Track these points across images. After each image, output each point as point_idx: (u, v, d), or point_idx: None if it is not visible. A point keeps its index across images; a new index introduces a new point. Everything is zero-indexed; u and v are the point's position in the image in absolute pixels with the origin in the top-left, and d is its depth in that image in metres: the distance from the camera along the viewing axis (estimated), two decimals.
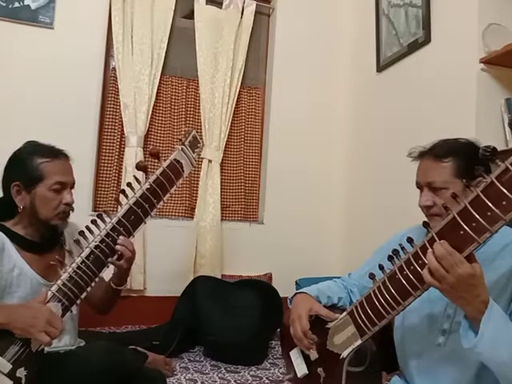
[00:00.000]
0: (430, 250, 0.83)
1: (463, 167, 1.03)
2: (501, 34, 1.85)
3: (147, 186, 1.21)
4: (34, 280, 1.26)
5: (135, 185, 1.21)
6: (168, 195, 1.25)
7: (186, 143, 1.29)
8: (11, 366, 1.03)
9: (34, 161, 1.25)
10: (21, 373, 1.05)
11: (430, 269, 0.83)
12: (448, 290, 0.83)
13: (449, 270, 0.80)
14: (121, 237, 1.18)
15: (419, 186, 1.11)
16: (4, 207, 1.28)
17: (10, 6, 2.46)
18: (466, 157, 1.04)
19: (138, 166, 1.23)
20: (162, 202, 1.24)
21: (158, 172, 1.22)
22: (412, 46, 2.36)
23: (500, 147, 1.81)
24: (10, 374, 1.03)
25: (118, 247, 1.18)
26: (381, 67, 2.66)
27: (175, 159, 1.26)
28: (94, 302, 1.41)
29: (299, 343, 1.15)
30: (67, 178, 1.29)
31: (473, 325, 0.85)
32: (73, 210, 1.32)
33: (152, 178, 1.22)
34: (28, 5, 2.48)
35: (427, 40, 2.23)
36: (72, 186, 1.32)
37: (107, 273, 1.23)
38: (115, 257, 1.19)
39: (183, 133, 1.28)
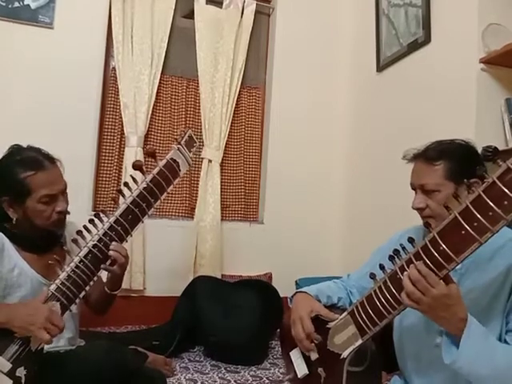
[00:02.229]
0: (406, 273, 0.87)
1: (455, 169, 1.04)
2: (501, 34, 1.85)
3: (144, 185, 1.21)
4: (34, 279, 1.26)
5: (132, 184, 1.21)
6: (165, 194, 1.25)
7: (182, 143, 1.30)
8: (11, 366, 1.03)
9: (18, 175, 1.21)
10: (20, 372, 1.04)
11: (406, 292, 0.86)
12: (427, 311, 0.87)
13: (424, 293, 0.84)
14: (113, 242, 1.16)
15: (413, 188, 1.12)
16: (2, 212, 1.27)
17: (10, 6, 2.46)
18: (458, 159, 1.05)
19: (134, 166, 1.22)
20: (159, 201, 1.24)
21: (154, 171, 1.23)
22: (412, 46, 2.35)
23: (500, 147, 1.81)
24: (10, 374, 1.03)
25: (111, 253, 1.16)
26: (381, 67, 2.66)
27: (172, 158, 1.26)
28: (91, 302, 1.41)
29: (300, 344, 1.14)
30: (55, 189, 1.25)
31: (455, 340, 0.87)
32: (68, 213, 1.30)
33: (149, 177, 1.22)
34: (28, 4, 2.48)
35: (427, 40, 2.23)
36: (63, 192, 1.29)
37: (104, 273, 1.23)
38: (108, 262, 1.18)
39: (179, 133, 1.28)
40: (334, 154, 3.07)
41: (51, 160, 1.28)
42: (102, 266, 1.16)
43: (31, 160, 1.24)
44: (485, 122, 1.89)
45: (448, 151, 1.07)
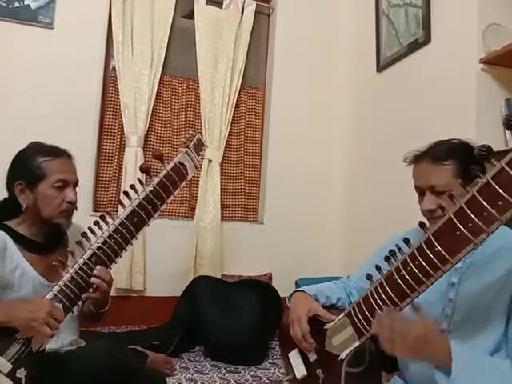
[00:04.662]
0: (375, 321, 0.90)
1: (463, 168, 1.02)
2: (501, 34, 1.85)
3: (151, 188, 1.19)
4: (36, 280, 1.25)
5: (138, 187, 1.21)
6: (171, 198, 1.24)
7: (191, 146, 1.29)
8: (11, 366, 1.03)
9: (36, 159, 1.26)
10: (21, 373, 1.04)
11: (383, 340, 0.87)
12: (409, 355, 0.88)
13: (401, 339, 0.83)
14: (97, 266, 1.14)
15: (420, 190, 1.09)
16: (8, 207, 1.28)
17: (10, 6, 2.46)
18: (464, 157, 1.03)
19: (142, 168, 1.21)
20: (165, 205, 1.23)
21: (161, 174, 1.21)
22: (412, 46, 2.35)
23: (500, 147, 1.81)
24: (10, 374, 1.02)
25: (93, 280, 1.13)
26: (381, 67, 2.66)
27: (179, 162, 1.24)
28: (83, 312, 1.39)
29: (299, 344, 1.15)
30: (69, 176, 1.29)
31: (448, 371, 0.84)
32: (76, 208, 1.32)
33: (156, 180, 1.20)
34: (28, 5, 2.49)
35: (427, 40, 2.23)
36: (75, 185, 1.32)
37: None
38: (91, 290, 1.15)
39: (187, 135, 1.27)
40: (333, 154, 3.07)
41: (68, 155, 1.34)
42: (83, 295, 1.14)
43: (51, 149, 1.30)
44: (485, 122, 1.89)
45: (455, 150, 1.05)
